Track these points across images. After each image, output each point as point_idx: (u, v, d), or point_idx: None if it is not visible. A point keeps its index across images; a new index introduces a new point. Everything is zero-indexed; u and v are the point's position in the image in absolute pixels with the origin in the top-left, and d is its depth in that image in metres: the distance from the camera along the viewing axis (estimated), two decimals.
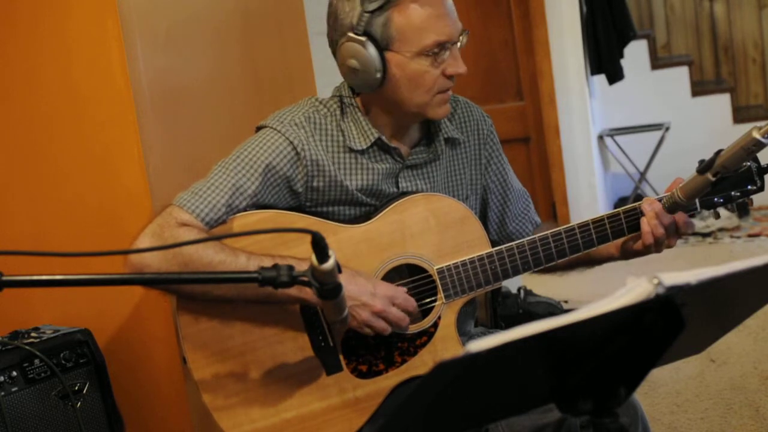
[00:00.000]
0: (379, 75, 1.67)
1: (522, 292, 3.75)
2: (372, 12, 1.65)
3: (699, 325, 1.13)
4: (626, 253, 1.78)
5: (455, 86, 1.74)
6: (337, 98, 1.78)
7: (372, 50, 1.66)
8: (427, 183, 1.81)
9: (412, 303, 1.68)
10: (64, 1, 2.04)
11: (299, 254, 1.60)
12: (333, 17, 1.70)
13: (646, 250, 1.73)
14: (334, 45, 1.72)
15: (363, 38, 1.66)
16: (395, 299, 1.64)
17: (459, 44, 1.70)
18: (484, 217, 1.92)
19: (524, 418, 1.70)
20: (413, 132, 1.81)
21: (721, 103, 5.84)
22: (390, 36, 1.66)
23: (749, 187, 1.71)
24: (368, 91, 1.72)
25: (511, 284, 3.78)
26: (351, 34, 1.66)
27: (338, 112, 1.76)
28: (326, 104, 1.77)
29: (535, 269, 1.74)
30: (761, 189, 1.72)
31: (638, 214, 1.71)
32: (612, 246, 1.78)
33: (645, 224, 1.70)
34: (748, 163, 1.67)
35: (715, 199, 1.71)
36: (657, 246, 1.71)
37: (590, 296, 3.90)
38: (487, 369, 0.98)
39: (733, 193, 1.71)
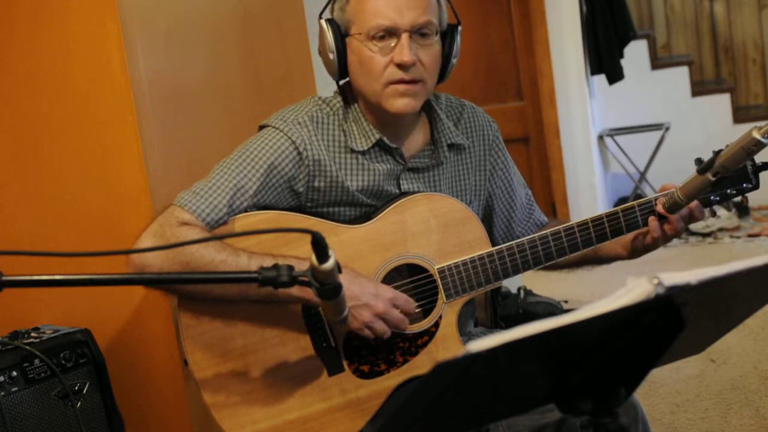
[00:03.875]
0: (332, 57, 1.71)
1: (522, 292, 3.75)
2: None
3: (699, 325, 1.13)
4: (635, 252, 1.78)
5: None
6: (339, 97, 1.78)
7: (327, 33, 1.70)
8: (431, 187, 1.81)
9: (412, 306, 1.68)
10: (64, 1, 2.04)
11: (301, 255, 1.60)
12: None
13: (654, 246, 1.74)
14: None
15: (322, 22, 1.71)
16: (396, 301, 1.64)
17: (422, 36, 1.67)
18: (489, 223, 1.92)
19: (524, 418, 1.70)
20: (417, 135, 1.81)
21: (721, 103, 5.84)
22: (347, 20, 1.70)
23: (745, 185, 1.73)
24: (335, 77, 1.75)
25: (511, 284, 3.78)
26: (318, 20, 1.73)
27: (341, 112, 1.76)
28: (330, 103, 1.78)
29: (536, 268, 1.74)
30: (756, 187, 1.74)
31: (635, 212, 1.72)
32: (618, 246, 1.79)
33: (654, 222, 1.71)
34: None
35: (712, 198, 1.73)
36: (665, 240, 1.73)
37: (590, 296, 3.91)
38: (487, 369, 0.98)
39: (729, 191, 1.73)
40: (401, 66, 1.66)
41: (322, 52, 1.74)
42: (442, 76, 1.76)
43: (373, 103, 1.72)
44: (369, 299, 1.61)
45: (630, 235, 1.76)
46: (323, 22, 1.72)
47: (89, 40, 2.03)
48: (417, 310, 1.72)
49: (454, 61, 1.76)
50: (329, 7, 1.74)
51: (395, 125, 1.77)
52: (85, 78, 2.05)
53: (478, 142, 1.87)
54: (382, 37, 1.66)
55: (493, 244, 1.83)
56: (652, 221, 1.71)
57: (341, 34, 1.71)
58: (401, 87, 1.68)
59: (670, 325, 1.03)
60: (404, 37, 1.66)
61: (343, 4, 1.70)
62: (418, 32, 1.67)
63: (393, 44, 1.66)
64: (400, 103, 1.69)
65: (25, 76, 2.10)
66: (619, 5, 5.30)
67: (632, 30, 5.38)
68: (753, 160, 1.71)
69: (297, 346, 1.67)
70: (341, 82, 1.79)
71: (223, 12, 2.39)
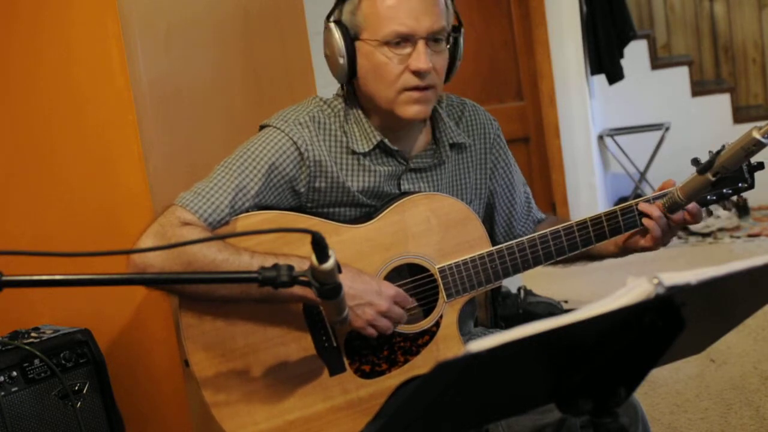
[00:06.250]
0: (342, 61, 1.68)
1: (522, 292, 3.75)
2: (344, 0, 1.68)
3: (699, 325, 1.13)
4: (626, 250, 1.80)
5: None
6: (341, 98, 1.78)
7: (337, 36, 1.67)
8: (431, 186, 1.81)
9: (411, 303, 1.68)
10: (64, 1, 2.04)
11: (303, 255, 1.59)
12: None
13: (652, 247, 1.75)
14: None
15: (331, 25, 1.68)
16: (398, 298, 1.64)
17: (435, 42, 1.66)
18: (490, 221, 1.92)
19: (524, 418, 1.70)
20: (419, 136, 1.80)
21: (721, 103, 5.84)
22: (358, 24, 1.67)
23: (740, 184, 1.74)
24: (343, 80, 1.73)
25: (511, 284, 3.78)
26: (325, 22, 1.70)
27: (342, 113, 1.75)
28: (330, 104, 1.77)
29: (535, 267, 1.75)
30: (751, 186, 1.75)
31: (634, 212, 1.73)
32: (610, 244, 1.80)
33: (649, 222, 1.71)
34: None
35: (708, 197, 1.73)
36: (663, 241, 1.74)
37: (590, 296, 3.91)
38: (487, 369, 0.98)
39: (725, 190, 1.74)
40: (417, 73, 1.65)
41: (330, 55, 1.71)
42: (446, 78, 1.75)
43: (383, 108, 1.71)
44: (372, 297, 1.61)
45: (623, 236, 1.76)
46: (332, 24, 1.69)
47: (89, 40, 2.03)
48: (417, 310, 1.72)
49: (458, 63, 1.76)
50: (337, 9, 1.71)
51: (400, 129, 1.76)
52: (85, 78, 2.05)
53: (479, 140, 1.87)
54: (397, 44, 1.65)
55: (494, 242, 1.83)
56: (649, 222, 1.71)
57: (350, 38, 1.68)
58: (415, 94, 1.67)
59: (670, 325, 1.03)
60: (420, 44, 1.64)
61: (353, 7, 1.67)
62: (432, 38, 1.66)
63: (408, 51, 1.65)
64: (414, 110, 1.68)
65: (25, 76, 2.10)
66: (619, 5, 5.30)
67: (632, 30, 5.38)
68: (748, 161, 1.71)
69: (298, 346, 1.67)
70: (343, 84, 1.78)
71: (223, 13, 2.39)
